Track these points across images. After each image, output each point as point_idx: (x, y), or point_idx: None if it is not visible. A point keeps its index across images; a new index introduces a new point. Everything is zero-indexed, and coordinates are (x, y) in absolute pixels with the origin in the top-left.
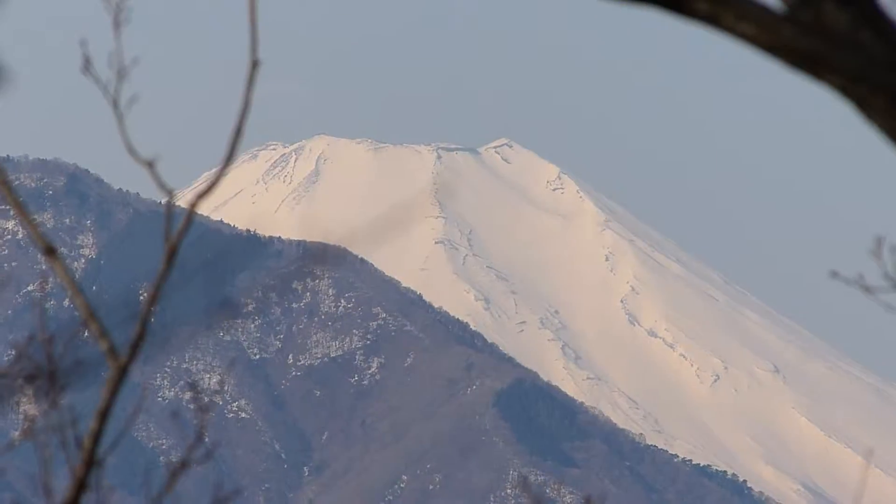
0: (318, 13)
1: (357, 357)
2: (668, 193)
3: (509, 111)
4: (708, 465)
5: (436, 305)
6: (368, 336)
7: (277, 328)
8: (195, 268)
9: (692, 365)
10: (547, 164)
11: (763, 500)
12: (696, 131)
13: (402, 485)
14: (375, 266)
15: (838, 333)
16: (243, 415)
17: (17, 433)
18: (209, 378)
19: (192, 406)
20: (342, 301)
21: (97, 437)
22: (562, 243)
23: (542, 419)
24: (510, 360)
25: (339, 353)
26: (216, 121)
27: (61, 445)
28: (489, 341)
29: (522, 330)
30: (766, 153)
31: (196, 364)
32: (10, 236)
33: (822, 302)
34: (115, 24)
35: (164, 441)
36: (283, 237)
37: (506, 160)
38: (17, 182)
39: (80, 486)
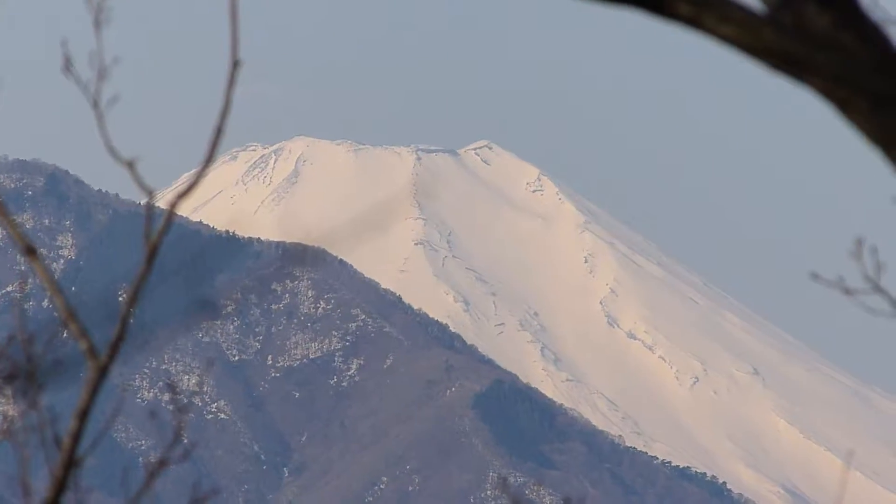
0: (299, 15)
1: (336, 358)
2: (648, 195)
3: (489, 113)
4: (687, 467)
5: (415, 307)
6: (348, 337)
7: (257, 329)
8: (174, 268)
9: (671, 367)
10: (527, 165)
11: (742, 503)
12: (677, 133)
13: (381, 486)
14: (355, 268)
15: (818, 336)
16: (222, 416)
17: None
18: (188, 379)
19: (170, 407)
20: (321, 302)
21: (77, 437)
22: (541, 245)
23: (522, 421)
24: (489, 361)
25: (319, 354)
26: (197, 121)
27: (40, 445)
28: (468, 343)
29: (502, 332)
30: (746, 155)
31: (175, 365)
32: None
33: (802, 304)
34: (96, 23)
35: (143, 442)
36: (262, 238)
37: (486, 162)
38: None
39: (60, 487)
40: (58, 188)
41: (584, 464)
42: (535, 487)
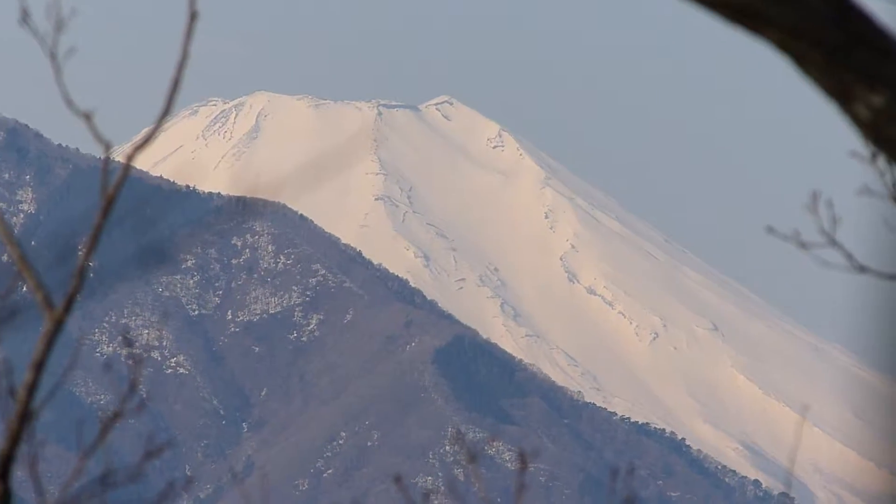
0: None
1: (296, 313)
2: (608, 152)
3: (450, 69)
4: (646, 423)
5: (375, 262)
6: (308, 293)
7: (216, 284)
8: (134, 222)
9: (631, 323)
10: (488, 121)
11: (701, 459)
12: (637, 90)
13: (340, 441)
14: (315, 223)
15: (777, 292)
16: (182, 370)
17: None
18: (148, 333)
19: (129, 361)
20: (281, 257)
21: (32, 389)
22: (502, 201)
23: (481, 376)
24: (449, 317)
25: (279, 309)
26: (157, 75)
27: None
28: (428, 298)
29: (462, 287)
30: (705, 112)
31: (135, 319)
32: None
33: (762, 261)
34: None
35: (102, 396)
36: (222, 192)
37: (446, 117)
38: None
39: (14, 439)
40: (17, 142)
41: (542, 419)
42: (494, 443)
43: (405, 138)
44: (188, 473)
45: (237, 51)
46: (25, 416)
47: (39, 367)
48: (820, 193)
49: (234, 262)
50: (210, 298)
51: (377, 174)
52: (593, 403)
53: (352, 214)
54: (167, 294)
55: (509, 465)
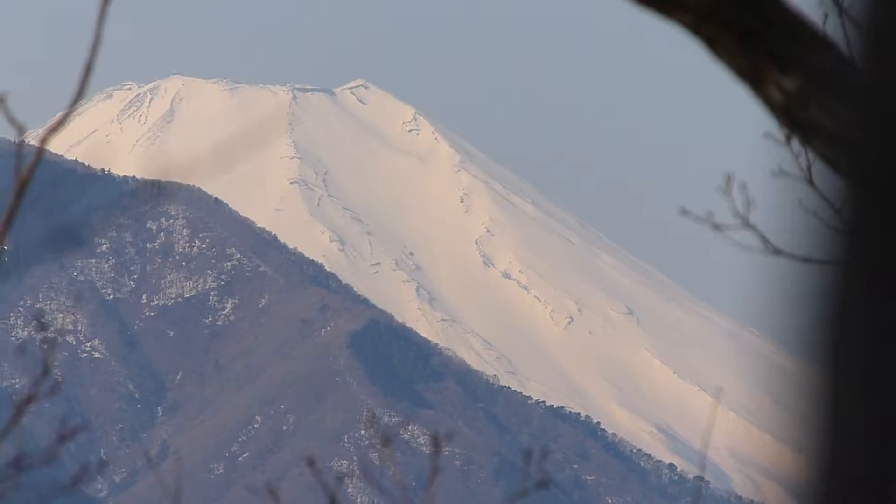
0: None
1: (211, 297)
2: (523, 136)
3: (365, 52)
4: (562, 407)
5: (290, 246)
6: (223, 277)
7: (131, 268)
8: (48, 205)
9: (546, 307)
10: (403, 105)
11: (616, 443)
12: (551, 73)
13: (255, 425)
14: (230, 206)
15: (692, 277)
16: (97, 354)
17: None
18: (63, 317)
19: (42, 344)
20: (196, 241)
21: None
22: (417, 185)
23: (396, 361)
24: (364, 301)
25: (194, 293)
26: (71, 58)
27: None
28: (344, 282)
29: (377, 271)
30: (618, 95)
31: (50, 304)
32: None
33: (677, 245)
34: None
35: (16, 380)
36: (137, 176)
37: (361, 101)
38: None
39: None
40: None
41: (458, 403)
42: (409, 426)
43: (320, 122)
44: (103, 457)
45: (152, 34)
46: None
47: None
48: (734, 176)
49: (148, 245)
50: (125, 282)
51: (292, 158)
52: (508, 387)
53: (267, 198)
54: (82, 278)
55: (424, 448)
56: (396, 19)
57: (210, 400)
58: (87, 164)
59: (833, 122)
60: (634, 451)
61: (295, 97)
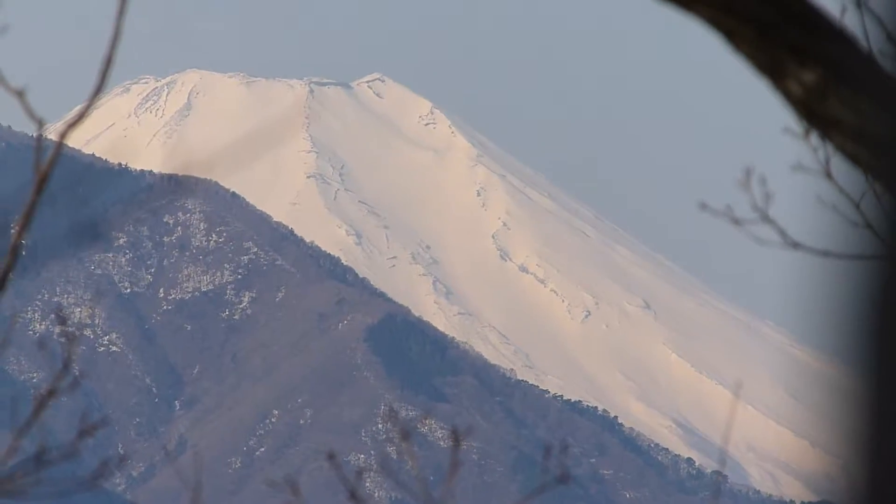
0: None
1: (228, 291)
2: (540, 129)
3: (382, 46)
4: (579, 401)
5: (307, 240)
6: (240, 270)
7: (148, 262)
8: (66, 199)
9: (563, 300)
10: (419, 98)
11: (634, 437)
12: (567, 65)
13: (273, 419)
14: (247, 200)
15: (709, 270)
16: (114, 348)
17: None
18: (80, 311)
19: (61, 339)
20: (213, 235)
21: None
22: (434, 178)
23: (413, 354)
24: (381, 294)
25: (211, 287)
26: (89, 52)
27: None
28: (360, 276)
29: (394, 265)
30: (635, 86)
31: (67, 297)
32: None
33: (694, 238)
34: None
35: (35, 374)
36: (154, 170)
37: (378, 95)
38: None
39: None
40: None
41: (475, 397)
42: (426, 421)
43: (337, 116)
44: (121, 451)
45: (168, 28)
46: None
47: None
48: (753, 169)
49: (166, 239)
50: (142, 276)
51: (309, 152)
52: (525, 381)
53: (283, 192)
54: (99, 272)
55: (442, 443)
56: (413, 12)
57: (227, 394)
58: (104, 158)
59: (852, 116)
60: (652, 445)
61: (312, 91)
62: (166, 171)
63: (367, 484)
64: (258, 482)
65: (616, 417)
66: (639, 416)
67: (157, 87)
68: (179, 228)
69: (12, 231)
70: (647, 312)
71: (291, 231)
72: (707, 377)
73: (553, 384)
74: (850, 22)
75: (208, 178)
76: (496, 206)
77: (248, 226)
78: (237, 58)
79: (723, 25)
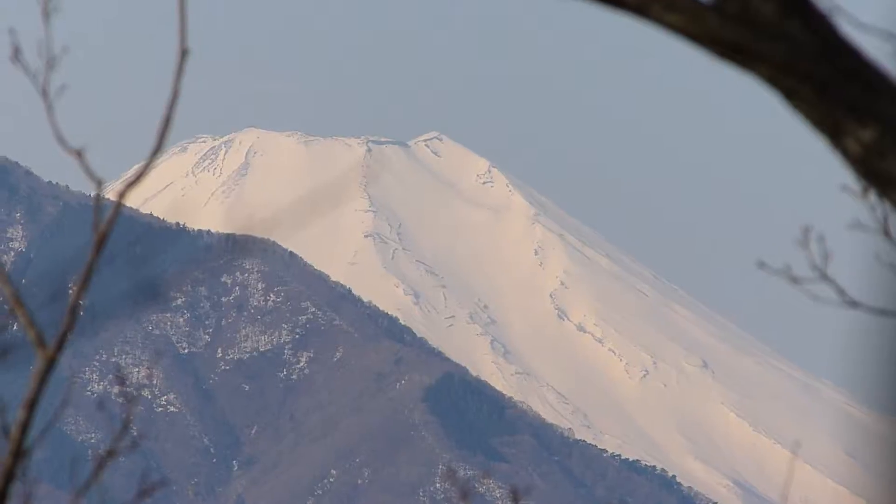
0: (249, 6)
1: (286, 351)
2: (597, 188)
3: (440, 105)
4: (637, 460)
5: (365, 300)
6: (297, 330)
7: (206, 322)
8: (125, 259)
9: (621, 360)
10: (477, 157)
11: (692, 496)
12: (627, 126)
13: (331, 479)
14: (305, 260)
15: (767, 329)
16: (172, 409)
17: None
18: (138, 372)
19: (119, 399)
20: (271, 295)
21: (25, 427)
22: (491, 237)
23: (471, 414)
24: (439, 354)
25: (269, 347)
26: (147, 112)
27: None
28: (418, 336)
29: (451, 324)
30: (693, 147)
31: (125, 358)
32: None
33: (751, 297)
34: (45, 12)
35: (93, 435)
36: (212, 230)
37: (436, 153)
38: None
39: (7, 477)
40: (8, 180)
41: (533, 456)
42: (485, 480)
43: (395, 175)
44: None
45: (226, 87)
46: (19, 455)
47: (32, 405)
48: (811, 228)
49: (224, 300)
50: (200, 336)
51: (367, 211)
52: (583, 440)
53: (341, 252)
54: (158, 332)
55: (500, 502)
56: (469, 71)
57: (285, 454)
58: (163, 218)
59: None
60: None
61: (369, 150)
62: (224, 230)
63: None
64: None
65: (674, 476)
66: (697, 475)
67: (214, 147)
68: (237, 288)
69: (71, 291)
70: (704, 371)
71: (349, 291)
72: (765, 436)
73: (611, 443)
74: None
75: (266, 237)
76: (554, 265)
77: (305, 286)
78: (295, 116)
79: (781, 84)
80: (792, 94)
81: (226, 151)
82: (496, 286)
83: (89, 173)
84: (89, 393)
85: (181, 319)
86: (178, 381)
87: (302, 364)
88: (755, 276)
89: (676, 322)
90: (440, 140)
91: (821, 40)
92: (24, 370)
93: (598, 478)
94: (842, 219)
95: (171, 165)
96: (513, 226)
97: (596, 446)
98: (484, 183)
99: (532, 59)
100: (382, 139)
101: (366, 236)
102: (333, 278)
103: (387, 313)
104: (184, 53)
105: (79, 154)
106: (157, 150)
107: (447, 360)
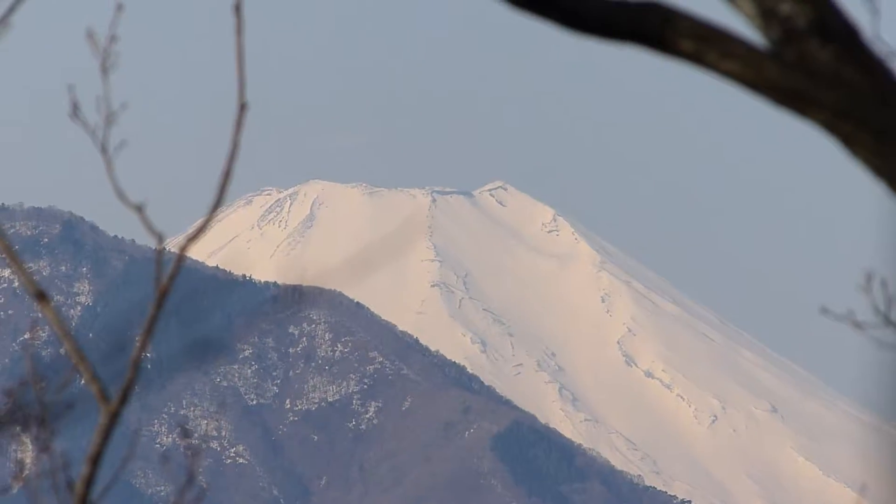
0: (305, 58)
1: (354, 401)
2: (662, 234)
3: (504, 154)
4: None
5: (432, 349)
6: (365, 380)
7: (274, 373)
8: (190, 312)
9: (690, 405)
10: (542, 206)
11: None
12: (690, 172)
13: None
14: (371, 310)
15: (834, 371)
16: (241, 460)
17: (10, 479)
18: (206, 423)
19: (186, 451)
20: (339, 345)
21: (89, 482)
22: (558, 285)
23: (541, 461)
24: (507, 402)
25: (337, 397)
26: (210, 166)
27: (54, 491)
28: (486, 384)
29: (519, 372)
30: (756, 190)
31: (193, 410)
32: (5, 284)
33: (819, 339)
34: (103, 68)
35: (163, 488)
36: (278, 281)
37: (500, 203)
38: (12, 230)
39: None
40: (73, 235)
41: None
42: None
43: (460, 224)
44: None
45: (290, 139)
46: None
47: (96, 460)
48: (874, 273)
49: (291, 350)
50: (268, 387)
51: (432, 260)
52: (654, 487)
53: (408, 301)
54: (225, 384)
55: None
56: (533, 119)
57: None
58: (227, 270)
59: None
60: None
61: (434, 200)
62: (290, 282)
63: None
64: None
65: None
66: None
67: (279, 199)
68: (305, 339)
69: (135, 344)
70: (774, 416)
71: (416, 340)
72: (834, 480)
73: (681, 490)
74: None
75: (333, 288)
76: (621, 312)
77: (373, 336)
78: (359, 168)
79: (839, 130)
80: (850, 141)
81: (291, 203)
82: (563, 334)
83: (150, 228)
84: (158, 445)
85: (249, 371)
86: (246, 432)
87: (370, 414)
88: (820, 320)
89: (744, 366)
90: (505, 189)
91: (878, 85)
92: (91, 425)
93: None
94: None
95: (237, 218)
96: (579, 273)
97: (666, 492)
98: (549, 231)
99: (595, 108)
100: (447, 189)
101: (432, 286)
102: (401, 328)
103: (454, 362)
104: (242, 107)
105: (139, 209)
106: (218, 203)
107: (515, 408)
